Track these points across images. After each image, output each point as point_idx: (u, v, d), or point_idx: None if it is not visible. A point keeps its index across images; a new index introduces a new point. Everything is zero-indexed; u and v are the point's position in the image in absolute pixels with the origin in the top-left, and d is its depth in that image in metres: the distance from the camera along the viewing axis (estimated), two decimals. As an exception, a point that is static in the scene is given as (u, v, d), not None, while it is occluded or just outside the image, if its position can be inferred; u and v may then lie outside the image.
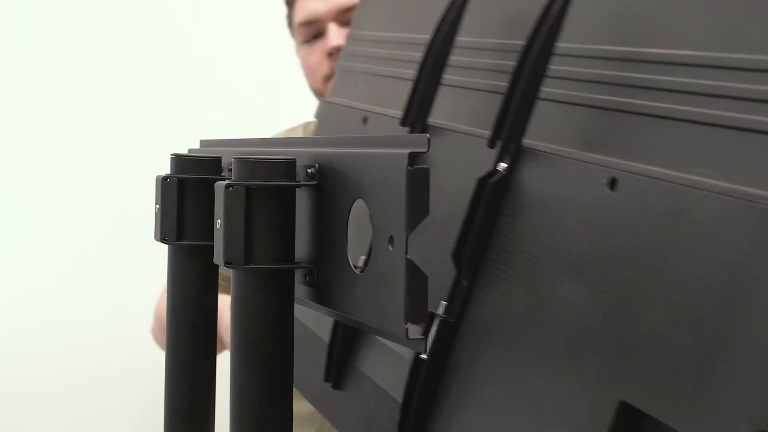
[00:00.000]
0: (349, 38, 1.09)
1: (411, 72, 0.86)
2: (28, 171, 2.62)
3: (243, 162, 0.66)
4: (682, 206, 0.54)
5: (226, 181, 0.65)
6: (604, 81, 0.66)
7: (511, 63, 0.72)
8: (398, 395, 0.74)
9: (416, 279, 0.55)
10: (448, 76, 0.84)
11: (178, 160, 0.81)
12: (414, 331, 0.55)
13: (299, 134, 1.80)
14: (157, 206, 0.81)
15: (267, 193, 0.65)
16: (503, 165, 0.70)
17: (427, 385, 0.72)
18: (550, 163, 0.66)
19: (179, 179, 0.80)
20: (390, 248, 0.56)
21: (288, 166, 0.66)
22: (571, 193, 0.63)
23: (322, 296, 0.66)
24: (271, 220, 0.65)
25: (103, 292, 2.48)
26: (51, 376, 2.59)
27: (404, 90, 0.86)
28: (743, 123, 0.53)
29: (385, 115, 0.90)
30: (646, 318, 0.54)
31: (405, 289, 0.55)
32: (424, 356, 0.72)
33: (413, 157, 0.54)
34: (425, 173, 0.54)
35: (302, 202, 0.67)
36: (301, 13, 1.72)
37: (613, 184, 0.59)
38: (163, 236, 0.81)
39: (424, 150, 0.54)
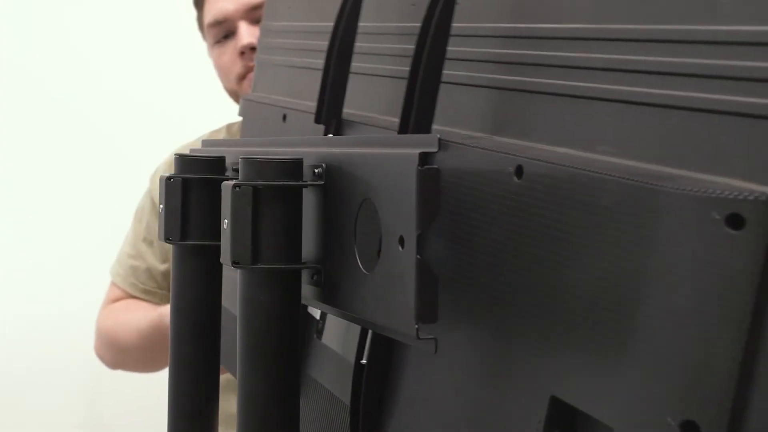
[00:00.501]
0: (263, 30, 1.06)
1: (323, 62, 0.84)
2: (21, 169, 2.62)
3: (250, 162, 0.66)
4: (584, 191, 0.53)
5: (233, 181, 0.65)
6: (506, 60, 0.64)
7: (410, 47, 0.70)
8: (348, 400, 0.74)
9: (427, 279, 0.55)
10: (358, 64, 0.82)
11: (181, 160, 0.81)
12: (424, 330, 0.55)
13: (223, 136, 1.79)
14: (161, 206, 0.81)
15: (274, 193, 0.65)
16: None
17: (372, 389, 0.71)
18: (460, 153, 0.64)
19: (183, 179, 0.80)
20: (400, 248, 0.56)
21: (295, 166, 0.66)
22: (483, 184, 0.61)
23: (328, 296, 0.66)
24: (278, 220, 0.65)
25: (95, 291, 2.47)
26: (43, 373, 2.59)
27: (319, 81, 0.84)
28: (640, 97, 0.52)
29: (303, 111, 0.87)
30: (565, 311, 0.53)
31: (416, 289, 0.55)
32: (363, 361, 0.71)
33: (424, 157, 0.54)
34: (436, 173, 0.55)
35: (309, 201, 0.67)
36: (210, 13, 1.71)
37: (519, 172, 0.58)
38: (167, 236, 0.81)
39: (435, 150, 0.55)
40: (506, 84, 0.64)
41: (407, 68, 0.70)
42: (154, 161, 1.84)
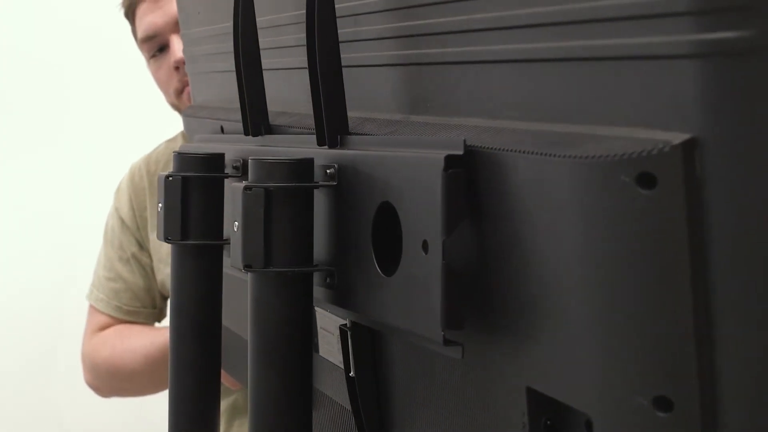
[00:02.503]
0: (184, 40, 1.03)
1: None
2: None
3: (261, 163, 0.64)
4: (498, 172, 0.51)
5: (244, 183, 0.64)
6: (402, 34, 0.62)
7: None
8: (350, 407, 0.73)
9: (453, 284, 0.54)
10: (274, 60, 0.79)
11: (180, 158, 0.80)
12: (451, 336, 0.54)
13: (180, 143, 1.75)
14: (160, 205, 0.80)
15: (286, 195, 0.64)
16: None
17: (366, 397, 0.70)
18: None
19: (183, 177, 0.78)
20: (423, 253, 0.55)
21: (306, 167, 0.65)
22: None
23: (342, 299, 0.65)
24: (291, 222, 0.64)
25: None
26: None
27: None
28: (532, 53, 0.50)
29: (237, 120, 0.84)
30: (525, 298, 0.51)
31: (442, 295, 0.54)
32: (352, 374, 0.70)
33: (450, 161, 0.53)
34: (462, 176, 0.53)
35: (320, 202, 0.66)
36: (141, 28, 1.67)
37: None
38: (166, 236, 0.79)
39: (461, 153, 0.53)
40: (409, 59, 0.62)
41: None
42: (115, 178, 1.81)
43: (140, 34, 1.67)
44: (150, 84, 1.73)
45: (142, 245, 1.72)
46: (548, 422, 0.53)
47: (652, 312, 0.43)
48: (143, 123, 2.36)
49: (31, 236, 2.59)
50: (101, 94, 2.59)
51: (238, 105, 0.82)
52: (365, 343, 0.69)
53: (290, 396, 0.66)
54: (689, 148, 0.41)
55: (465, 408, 0.59)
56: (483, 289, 0.54)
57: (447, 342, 0.54)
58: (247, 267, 0.64)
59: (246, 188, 0.64)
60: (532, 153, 0.49)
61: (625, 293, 0.44)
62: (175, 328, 0.81)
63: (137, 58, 1.74)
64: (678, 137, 0.41)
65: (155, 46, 1.66)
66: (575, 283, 0.47)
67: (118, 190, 1.77)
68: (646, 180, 0.42)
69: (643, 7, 0.43)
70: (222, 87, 0.94)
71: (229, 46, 0.84)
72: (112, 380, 1.72)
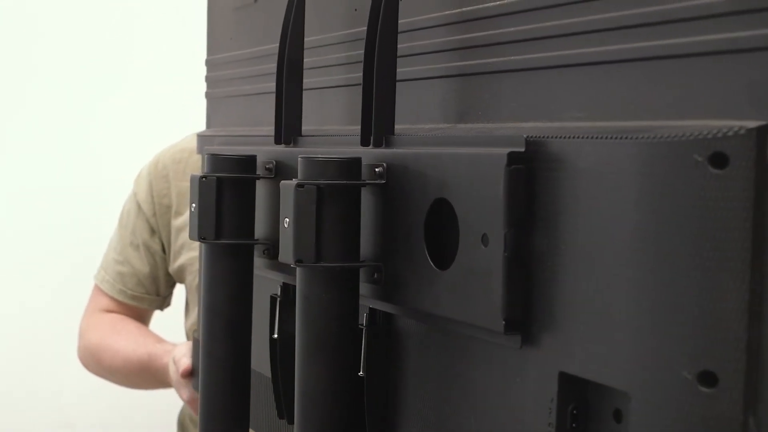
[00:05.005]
0: (208, 65, 1.06)
1: (274, 84, 0.83)
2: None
3: (312, 162, 0.66)
4: (565, 160, 0.54)
5: (296, 181, 0.66)
6: (457, 46, 0.65)
7: (361, 52, 0.69)
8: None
9: (514, 276, 0.56)
10: (310, 79, 0.82)
11: (214, 159, 0.82)
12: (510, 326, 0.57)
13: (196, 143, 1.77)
14: (194, 205, 0.81)
15: (337, 192, 0.66)
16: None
17: (374, 397, 0.71)
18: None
19: (218, 178, 0.80)
20: (483, 246, 0.58)
21: (355, 165, 0.67)
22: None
23: (390, 293, 0.67)
24: (341, 219, 0.66)
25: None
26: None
27: (272, 104, 0.83)
28: (596, 56, 0.54)
29: (261, 135, 0.86)
30: (563, 280, 0.53)
31: (503, 286, 0.56)
32: (361, 374, 0.70)
33: (513, 157, 0.56)
34: (523, 172, 0.56)
35: (367, 200, 0.68)
36: None
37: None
38: (201, 235, 0.81)
39: (522, 149, 0.56)
40: (462, 70, 0.65)
41: (359, 74, 0.69)
42: (136, 164, 1.82)
43: None
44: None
45: (155, 231, 1.75)
46: (574, 411, 0.55)
47: (708, 288, 0.46)
48: (140, 120, 2.35)
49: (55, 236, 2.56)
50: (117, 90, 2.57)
51: (258, 125, 0.83)
52: (379, 342, 0.71)
53: (339, 388, 0.68)
54: (763, 133, 0.44)
55: (482, 403, 0.61)
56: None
57: (507, 330, 0.57)
58: (299, 262, 0.66)
59: (298, 185, 0.66)
60: (600, 138, 0.51)
61: (681, 269, 0.47)
62: (207, 326, 0.83)
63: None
64: (752, 123, 0.45)
65: None
66: (626, 262, 0.49)
67: (139, 176, 1.80)
68: (719, 159, 0.45)
69: (731, 4, 0.46)
70: (245, 109, 0.96)
71: (259, 68, 0.86)
72: (93, 365, 1.78)
